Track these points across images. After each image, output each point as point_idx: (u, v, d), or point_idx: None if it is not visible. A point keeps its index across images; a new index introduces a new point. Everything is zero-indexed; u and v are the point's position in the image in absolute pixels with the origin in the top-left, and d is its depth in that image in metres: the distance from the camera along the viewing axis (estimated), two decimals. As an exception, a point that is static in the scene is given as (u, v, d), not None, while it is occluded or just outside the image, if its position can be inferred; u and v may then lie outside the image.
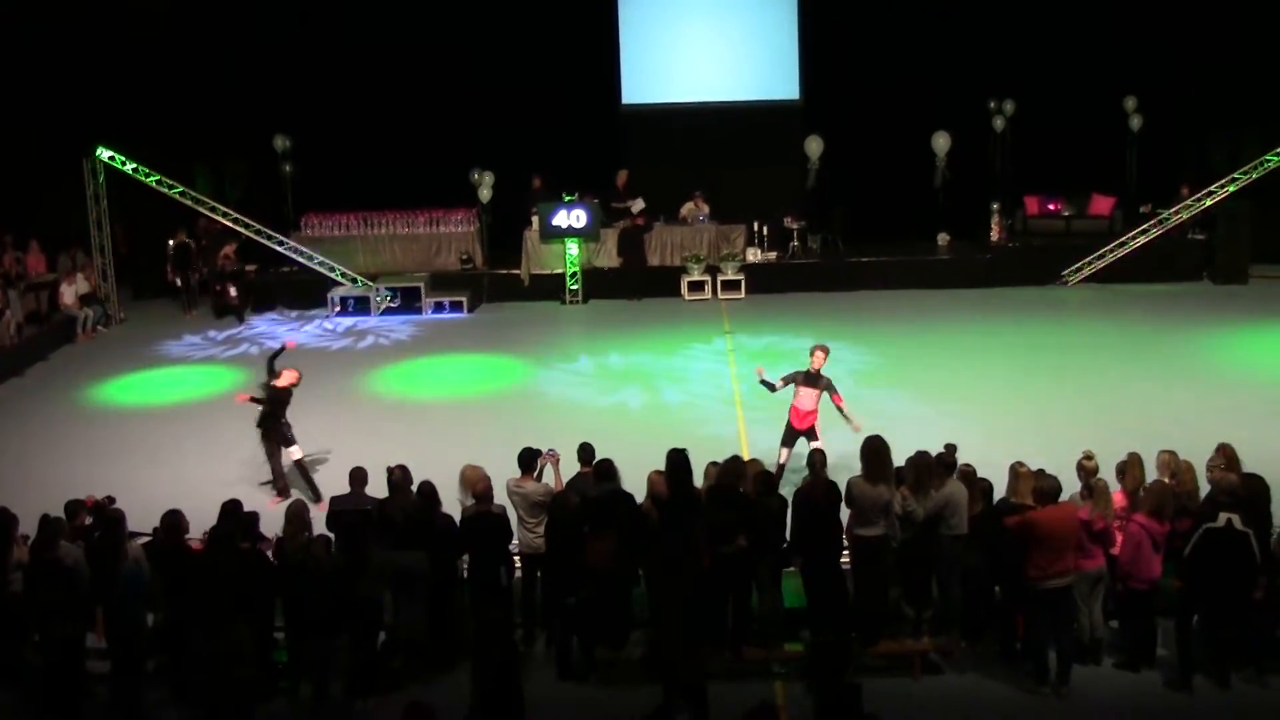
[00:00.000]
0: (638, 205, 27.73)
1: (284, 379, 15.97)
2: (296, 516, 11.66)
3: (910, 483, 11.99)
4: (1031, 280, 26.94)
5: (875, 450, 12.12)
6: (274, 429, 15.83)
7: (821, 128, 28.47)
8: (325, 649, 11.41)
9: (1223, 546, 11.06)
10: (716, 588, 11.88)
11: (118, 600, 11.42)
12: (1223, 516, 11.10)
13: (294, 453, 16.01)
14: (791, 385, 15.32)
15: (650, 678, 11.33)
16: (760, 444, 16.74)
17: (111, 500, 13.05)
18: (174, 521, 11.82)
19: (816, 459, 12.41)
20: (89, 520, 12.72)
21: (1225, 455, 12.28)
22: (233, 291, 26.35)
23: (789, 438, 15.33)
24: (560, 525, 12.00)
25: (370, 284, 26.77)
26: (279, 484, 15.91)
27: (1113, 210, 28.07)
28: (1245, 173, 25.94)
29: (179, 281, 26.85)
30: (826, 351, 15.40)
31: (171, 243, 26.57)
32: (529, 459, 12.64)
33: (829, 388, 15.15)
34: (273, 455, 15.94)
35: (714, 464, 12.53)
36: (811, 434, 15.06)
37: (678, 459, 12.12)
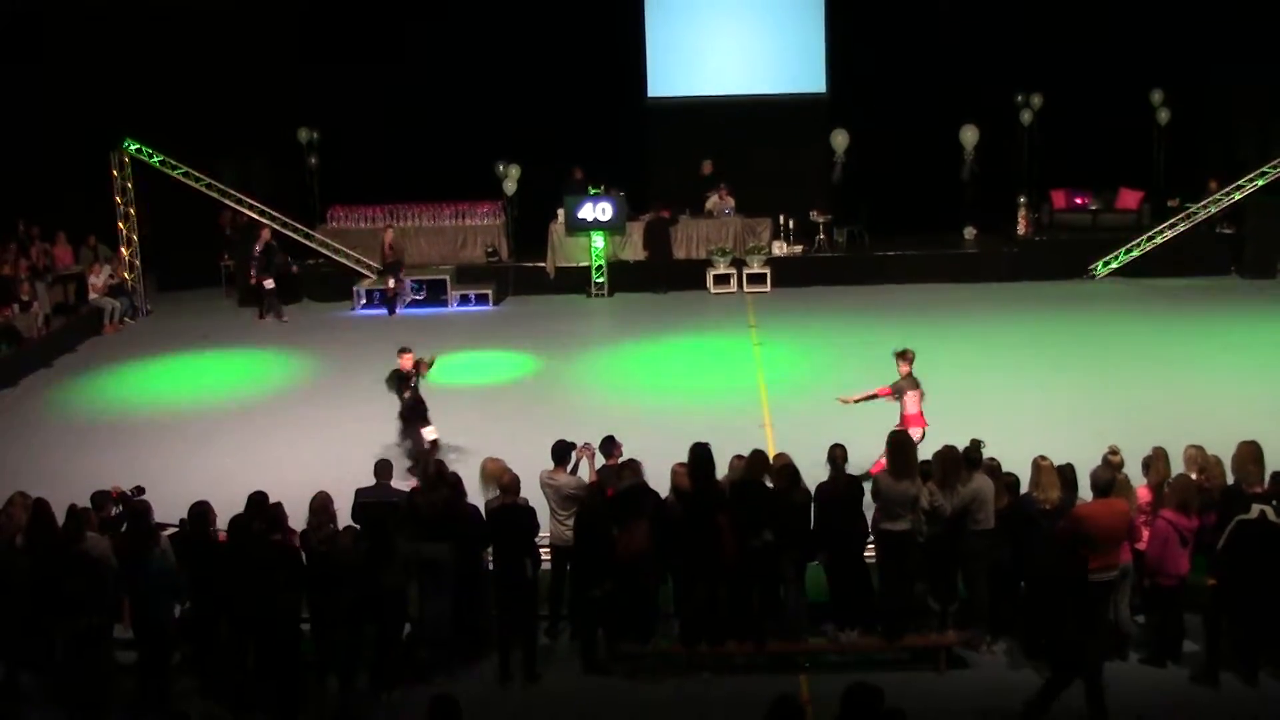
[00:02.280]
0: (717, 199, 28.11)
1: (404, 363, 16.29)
2: (321, 508, 11.68)
3: (937, 478, 11.96)
4: (1058, 274, 26.83)
5: (899, 445, 12.12)
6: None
7: (848, 121, 28.40)
8: (351, 641, 11.44)
9: (1257, 539, 11.00)
10: (742, 581, 11.90)
11: (145, 592, 11.45)
12: (1255, 508, 11.05)
13: (428, 433, 16.16)
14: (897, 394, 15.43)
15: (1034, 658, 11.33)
16: (785, 437, 16.75)
17: (141, 490, 13.07)
18: (201, 512, 11.87)
19: (838, 454, 12.35)
20: (115, 511, 12.76)
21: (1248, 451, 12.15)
22: (391, 283, 26.44)
23: None
24: (589, 517, 12.00)
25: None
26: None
27: (1140, 204, 27.97)
28: (1274, 167, 25.82)
29: (266, 284, 25.78)
30: (908, 359, 15.50)
31: (259, 245, 25.90)
32: (563, 451, 12.66)
33: (912, 386, 15.35)
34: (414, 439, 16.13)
35: (739, 457, 12.50)
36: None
37: (700, 453, 12.10)
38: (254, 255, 25.86)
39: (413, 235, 27.98)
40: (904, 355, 15.56)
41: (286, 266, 26.80)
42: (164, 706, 11.38)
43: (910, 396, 15.33)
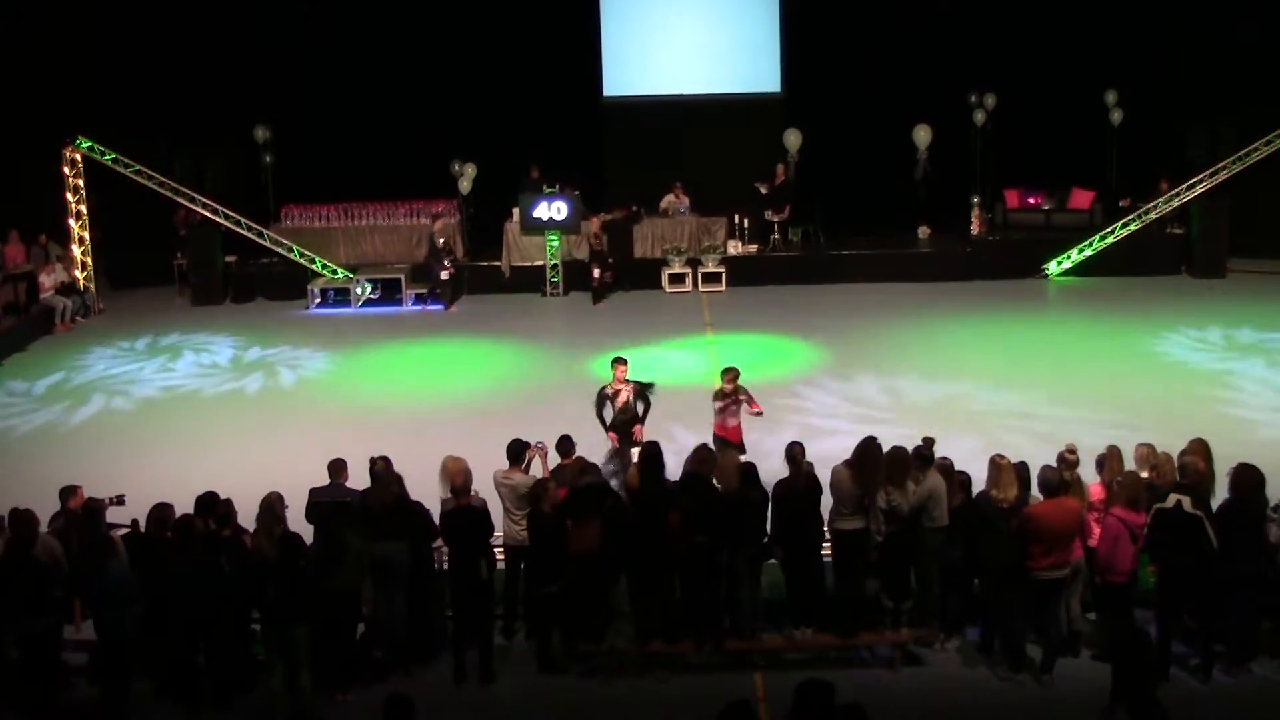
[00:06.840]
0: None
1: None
2: (269, 509, 11.62)
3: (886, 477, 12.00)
4: (1011, 274, 26.98)
5: (866, 452, 12.08)
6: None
7: (802, 120, 28.49)
8: (285, 639, 11.33)
9: (1174, 529, 11.11)
10: (694, 579, 11.92)
11: (102, 595, 11.34)
12: (1172, 498, 11.16)
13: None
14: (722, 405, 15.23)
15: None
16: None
17: (121, 500, 12.89)
18: (161, 516, 11.76)
19: (796, 451, 12.38)
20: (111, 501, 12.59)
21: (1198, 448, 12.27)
22: (595, 273, 26.37)
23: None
24: (542, 515, 11.97)
25: (350, 275, 26.70)
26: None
27: (1092, 204, 28.14)
28: (1224, 167, 26.06)
29: (444, 275, 25.94)
30: (733, 376, 15.22)
31: (440, 240, 25.97)
32: (517, 451, 12.63)
33: (747, 400, 15.18)
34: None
35: (694, 453, 12.49)
36: (740, 448, 14.80)
37: (649, 451, 12.21)
38: (437, 248, 25.94)
39: (368, 234, 27.87)
40: (730, 372, 15.31)
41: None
42: (124, 711, 11.30)
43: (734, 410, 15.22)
